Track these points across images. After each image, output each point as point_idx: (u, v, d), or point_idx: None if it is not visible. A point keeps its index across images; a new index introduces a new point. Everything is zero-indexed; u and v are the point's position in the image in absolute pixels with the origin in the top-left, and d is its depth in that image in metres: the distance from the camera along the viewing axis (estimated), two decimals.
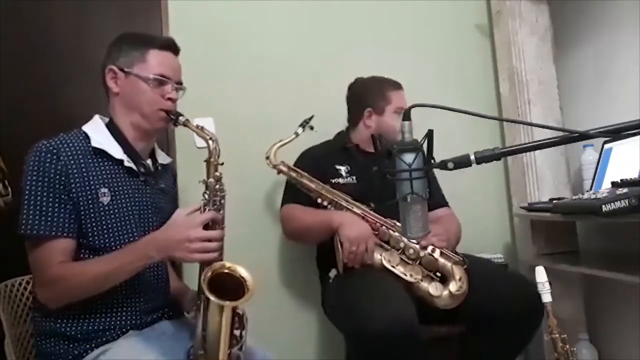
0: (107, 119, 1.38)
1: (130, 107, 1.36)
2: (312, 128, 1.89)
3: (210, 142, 1.30)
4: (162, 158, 1.49)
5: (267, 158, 1.85)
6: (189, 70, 1.94)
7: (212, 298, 1.15)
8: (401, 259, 1.70)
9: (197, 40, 2.04)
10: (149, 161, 1.42)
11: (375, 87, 1.94)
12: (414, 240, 1.70)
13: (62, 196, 1.23)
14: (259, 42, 2.13)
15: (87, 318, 1.26)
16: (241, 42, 2.11)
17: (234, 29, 2.11)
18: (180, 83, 1.42)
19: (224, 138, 2.01)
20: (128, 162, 1.34)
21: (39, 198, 1.21)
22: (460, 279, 1.67)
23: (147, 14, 2.01)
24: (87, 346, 1.24)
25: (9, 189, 1.22)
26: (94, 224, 1.27)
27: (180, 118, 1.34)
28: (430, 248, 1.70)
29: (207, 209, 1.27)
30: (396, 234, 1.72)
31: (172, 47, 1.41)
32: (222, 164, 1.31)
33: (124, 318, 1.29)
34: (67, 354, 1.24)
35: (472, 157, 0.88)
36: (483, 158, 0.88)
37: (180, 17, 2.03)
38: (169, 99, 1.37)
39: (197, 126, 1.33)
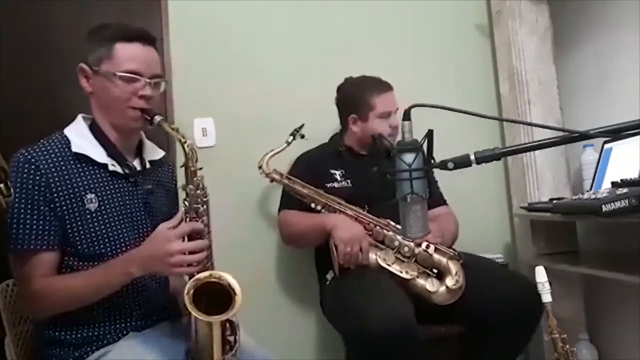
0: (90, 119, 1.33)
1: (104, 107, 1.29)
2: (302, 136, 1.91)
3: (185, 145, 1.22)
4: (153, 154, 1.42)
5: (260, 167, 1.87)
6: (189, 71, 1.95)
7: (198, 316, 1.11)
8: (396, 257, 1.71)
9: (197, 40, 2.04)
10: (136, 160, 1.36)
11: (358, 92, 1.91)
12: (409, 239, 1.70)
13: (43, 208, 1.18)
14: (259, 42, 2.13)
15: (86, 324, 1.24)
16: (241, 42, 2.11)
17: (234, 29, 2.11)
18: (157, 76, 1.31)
19: (224, 138, 2.04)
20: (112, 166, 1.28)
21: (16, 212, 1.17)
22: (456, 274, 1.68)
23: (147, 14, 2.01)
24: (88, 349, 1.23)
25: (11, 189, 1.21)
26: (81, 232, 1.23)
27: (156, 118, 1.25)
28: (424, 244, 1.70)
29: (188, 218, 1.20)
30: (390, 233, 1.73)
31: (142, 38, 1.29)
32: (201, 168, 1.24)
33: (124, 322, 1.28)
34: (67, 356, 1.23)
35: (472, 157, 0.88)
36: (483, 158, 0.88)
37: (180, 17, 2.04)
38: (142, 96, 1.27)
39: (173, 127, 1.25)
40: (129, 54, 1.26)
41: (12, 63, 1.84)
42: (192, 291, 1.11)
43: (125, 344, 1.24)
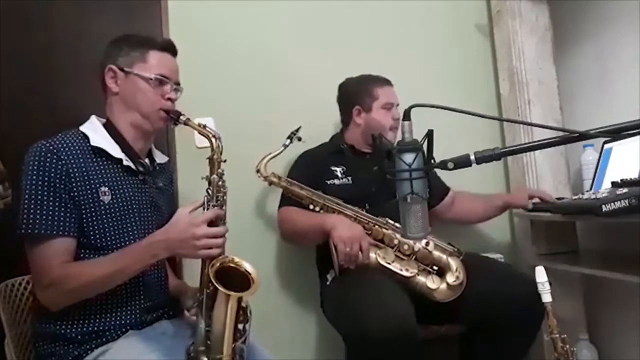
0: (104, 120, 1.39)
1: (130, 107, 1.37)
2: (300, 139, 1.90)
3: (212, 139, 1.32)
4: (159, 157, 1.50)
5: (258, 171, 1.87)
6: (189, 71, 1.93)
7: (219, 287, 1.17)
8: (396, 255, 1.71)
9: (197, 40, 2.04)
10: (146, 160, 1.43)
11: (361, 85, 1.97)
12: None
13: (63, 195, 1.23)
14: (259, 42, 2.13)
15: (87, 319, 1.25)
16: (241, 42, 2.11)
17: (234, 29, 2.11)
18: (178, 84, 1.43)
19: (224, 138, 2.02)
20: (127, 161, 1.34)
21: (39, 198, 1.21)
22: (456, 270, 1.69)
23: (147, 14, 2.01)
24: (87, 347, 1.24)
25: (10, 190, 1.22)
26: (95, 223, 1.27)
27: (181, 117, 1.36)
28: (424, 242, 1.70)
29: (210, 206, 1.28)
30: (389, 231, 1.73)
31: (171, 49, 1.42)
32: (225, 161, 1.33)
33: (124, 318, 1.29)
34: (67, 354, 1.23)
35: (472, 157, 0.88)
36: (483, 158, 0.88)
37: (180, 18, 2.03)
38: (169, 98, 1.38)
39: (199, 124, 1.34)
40: (160, 61, 1.39)
41: (12, 63, 1.84)
42: (217, 264, 1.21)
43: (125, 342, 1.25)
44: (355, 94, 1.97)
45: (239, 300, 1.21)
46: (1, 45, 1.83)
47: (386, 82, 1.97)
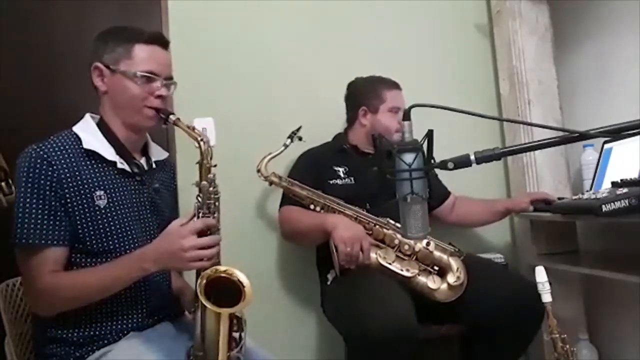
0: (97, 118, 1.34)
1: (119, 106, 1.31)
2: (300, 139, 1.90)
3: (201, 143, 1.25)
4: (158, 154, 1.44)
5: (259, 171, 1.86)
6: (189, 70, 1.95)
7: (208, 306, 1.13)
8: (397, 255, 1.71)
9: (197, 40, 2.04)
10: (142, 160, 1.38)
11: (370, 86, 1.96)
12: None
13: (54, 203, 1.19)
14: (259, 42, 2.13)
15: (89, 324, 1.24)
16: (241, 42, 2.11)
17: (234, 29, 2.11)
18: (170, 78, 1.36)
19: (225, 138, 2.04)
20: (121, 164, 1.30)
21: (27, 206, 1.18)
22: (457, 270, 1.69)
23: (147, 14, 2.01)
24: (88, 348, 1.23)
25: (13, 187, 1.20)
26: (91, 229, 1.24)
27: (171, 117, 1.29)
28: (425, 242, 1.70)
29: (200, 213, 1.22)
30: (390, 231, 1.73)
31: (159, 41, 1.33)
32: (215, 165, 1.27)
33: (126, 322, 1.28)
34: (68, 356, 1.23)
35: (472, 157, 0.88)
36: (483, 158, 0.88)
37: (180, 18, 2.03)
38: (159, 96, 1.31)
39: (188, 126, 1.27)
40: (147, 55, 1.30)
41: (12, 63, 1.84)
42: (204, 281, 1.14)
43: (126, 344, 1.24)
44: (363, 94, 1.96)
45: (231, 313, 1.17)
46: (1, 45, 1.83)
47: (395, 86, 1.96)
